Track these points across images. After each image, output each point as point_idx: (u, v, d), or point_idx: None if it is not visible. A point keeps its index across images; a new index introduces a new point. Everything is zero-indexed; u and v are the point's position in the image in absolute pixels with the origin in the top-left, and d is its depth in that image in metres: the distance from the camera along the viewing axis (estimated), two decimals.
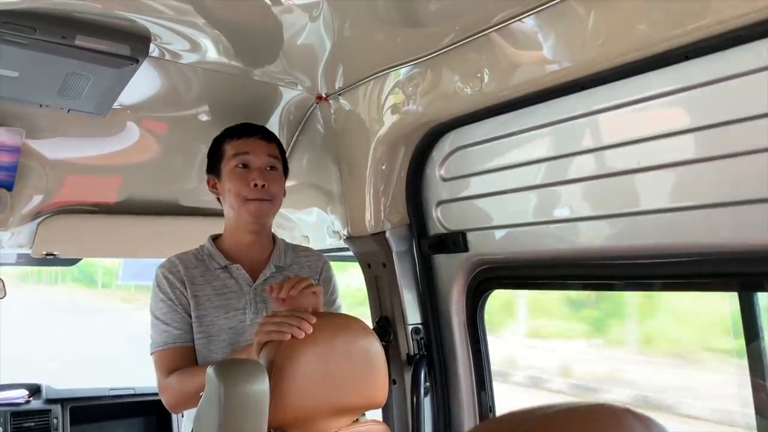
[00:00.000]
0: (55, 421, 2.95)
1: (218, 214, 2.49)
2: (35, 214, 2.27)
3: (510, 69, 1.49)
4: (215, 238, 1.88)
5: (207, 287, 1.76)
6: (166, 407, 1.71)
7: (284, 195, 1.88)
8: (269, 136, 1.85)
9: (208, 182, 1.89)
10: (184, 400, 1.66)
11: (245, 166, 1.77)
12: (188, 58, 1.75)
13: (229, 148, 1.81)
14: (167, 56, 1.71)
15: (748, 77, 1.18)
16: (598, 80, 1.41)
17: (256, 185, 1.74)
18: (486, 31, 1.46)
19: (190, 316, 1.74)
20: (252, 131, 1.82)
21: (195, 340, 1.73)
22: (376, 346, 1.50)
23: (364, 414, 1.56)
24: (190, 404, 1.66)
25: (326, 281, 1.93)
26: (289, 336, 1.37)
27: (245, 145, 1.79)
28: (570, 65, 1.40)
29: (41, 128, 2.00)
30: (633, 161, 1.40)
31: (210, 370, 1.26)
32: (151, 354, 1.74)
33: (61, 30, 1.40)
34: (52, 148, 2.11)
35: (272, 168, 1.80)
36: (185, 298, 1.74)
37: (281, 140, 1.95)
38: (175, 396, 1.67)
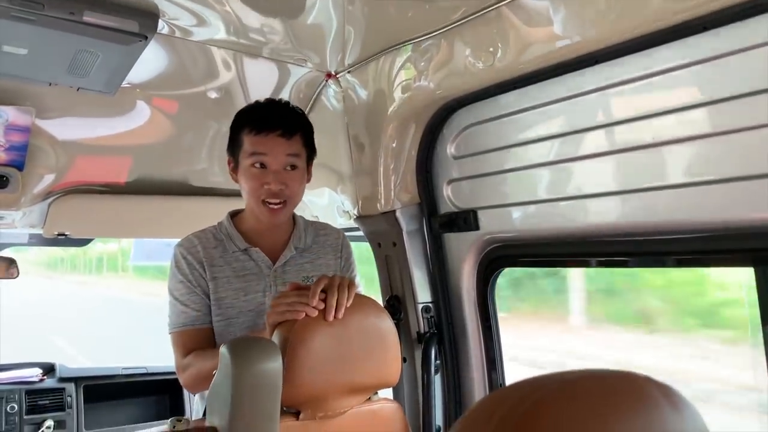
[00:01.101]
0: (68, 399, 2.99)
1: (229, 194, 2.51)
2: (46, 194, 2.28)
3: (522, 43, 1.47)
4: (234, 215, 1.83)
5: (226, 269, 1.73)
6: (184, 387, 1.71)
7: (307, 182, 1.79)
8: (291, 130, 1.68)
9: (228, 163, 1.79)
10: (200, 380, 1.64)
11: (262, 165, 1.68)
12: (197, 35, 1.73)
13: (248, 143, 1.69)
14: (176, 33, 1.70)
15: (762, 49, 1.16)
16: (611, 54, 1.39)
17: (271, 189, 1.67)
18: (497, 5, 1.44)
19: (209, 298, 1.72)
20: (272, 125, 1.66)
21: (214, 322, 1.72)
22: (388, 325, 1.49)
23: (376, 392, 1.56)
24: (206, 384, 1.66)
25: (347, 258, 1.90)
26: (303, 314, 1.36)
27: (263, 145, 1.67)
28: (582, 39, 1.37)
29: (51, 107, 2.00)
30: (646, 136, 1.38)
31: (223, 348, 1.26)
32: (169, 333, 1.74)
33: (69, 5, 1.39)
34: (62, 128, 2.11)
35: (292, 167, 1.70)
36: (204, 280, 1.72)
37: None
38: (192, 376, 1.66)
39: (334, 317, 1.37)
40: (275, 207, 1.69)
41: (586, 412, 0.49)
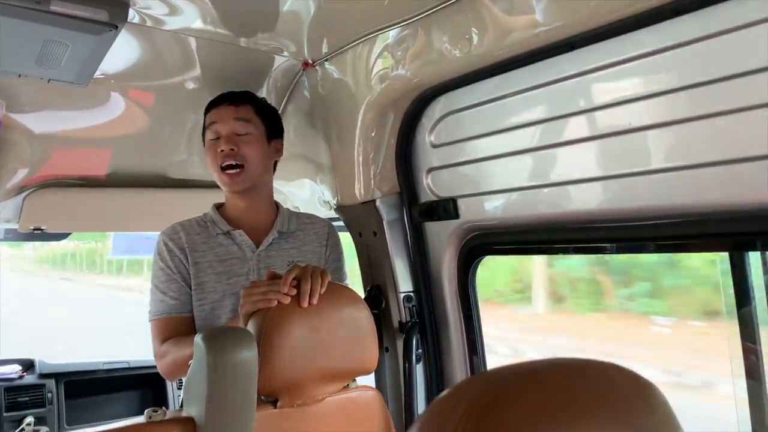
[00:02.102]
0: (49, 395, 2.96)
1: (209, 186, 2.48)
2: (20, 188, 2.24)
3: (499, 30, 1.46)
4: (219, 207, 1.88)
5: (209, 253, 1.75)
6: (161, 374, 1.71)
7: (270, 157, 1.85)
8: (239, 99, 1.81)
9: (205, 152, 1.87)
10: (177, 368, 1.65)
11: (217, 137, 1.77)
12: (170, 24, 1.70)
13: (206, 121, 1.82)
14: (148, 22, 1.67)
15: (738, 32, 1.16)
16: (589, 39, 1.38)
17: (223, 152, 1.73)
18: None
19: (190, 286, 1.73)
20: (222, 99, 1.82)
21: (198, 308, 1.72)
22: (364, 313, 1.50)
23: (354, 380, 1.56)
24: (183, 372, 1.66)
25: (334, 247, 1.92)
26: (275, 302, 1.36)
27: (214, 115, 1.79)
28: (560, 24, 1.37)
29: (23, 101, 1.96)
30: (624, 122, 1.38)
31: (198, 338, 1.25)
32: (149, 321, 1.74)
33: None
34: (35, 121, 2.07)
35: (243, 133, 1.77)
36: (184, 267, 1.73)
37: None
38: (168, 364, 1.66)
39: (309, 304, 1.38)
40: (231, 172, 1.74)
41: (552, 401, 0.49)
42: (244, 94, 1.84)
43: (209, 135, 1.79)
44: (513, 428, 0.47)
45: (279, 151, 1.89)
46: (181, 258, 1.73)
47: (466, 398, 0.49)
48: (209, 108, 1.83)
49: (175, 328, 1.70)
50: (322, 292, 1.41)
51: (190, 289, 1.73)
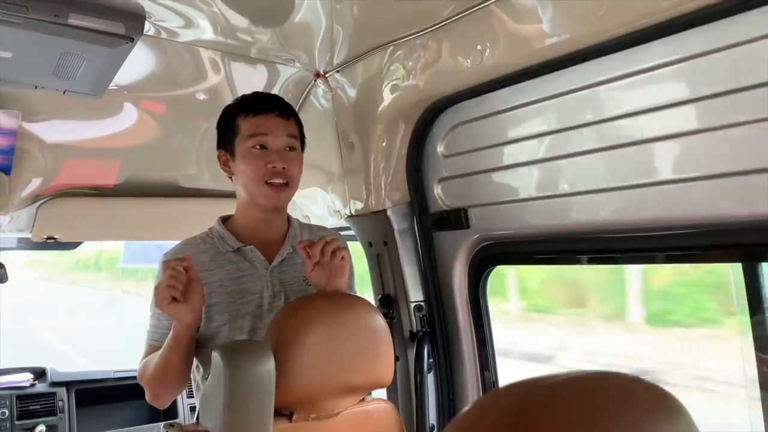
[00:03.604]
0: (60, 403, 2.96)
1: (220, 195, 2.49)
2: (34, 198, 2.26)
3: (510, 42, 1.47)
4: (225, 220, 1.75)
5: (219, 272, 1.63)
6: (149, 402, 1.63)
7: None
8: (287, 112, 1.67)
9: (219, 158, 1.73)
10: (154, 395, 1.59)
11: (263, 146, 1.63)
12: (184, 36, 1.72)
13: (245, 126, 1.64)
14: (163, 35, 1.69)
15: (749, 45, 1.17)
16: (600, 51, 1.39)
17: (275, 168, 1.61)
18: (485, 4, 1.44)
19: None
20: (269, 106, 1.65)
21: (212, 330, 1.61)
22: (381, 325, 1.48)
23: (370, 393, 1.56)
24: (163, 394, 1.60)
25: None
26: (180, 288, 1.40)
27: (263, 125, 1.63)
28: (571, 37, 1.38)
29: (38, 111, 1.98)
30: (635, 133, 1.39)
31: (215, 352, 1.25)
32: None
33: (54, 8, 1.37)
34: (49, 131, 2.09)
35: (291, 149, 1.66)
36: None
37: None
38: (148, 392, 1.60)
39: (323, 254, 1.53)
40: (279, 186, 1.63)
41: (573, 415, 0.49)
42: (289, 105, 1.71)
43: (252, 143, 1.63)
44: None
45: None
46: None
47: (490, 414, 0.50)
48: (249, 109, 1.65)
49: None
50: (330, 249, 1.54)
51: None
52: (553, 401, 0.51)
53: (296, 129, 1.69)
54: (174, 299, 1.40)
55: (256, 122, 1.63)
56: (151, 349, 1.62)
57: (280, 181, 1.63)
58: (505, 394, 0.52)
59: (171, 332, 1.48)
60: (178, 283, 1.41)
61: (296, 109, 2.17)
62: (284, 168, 1.62)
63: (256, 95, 1.71)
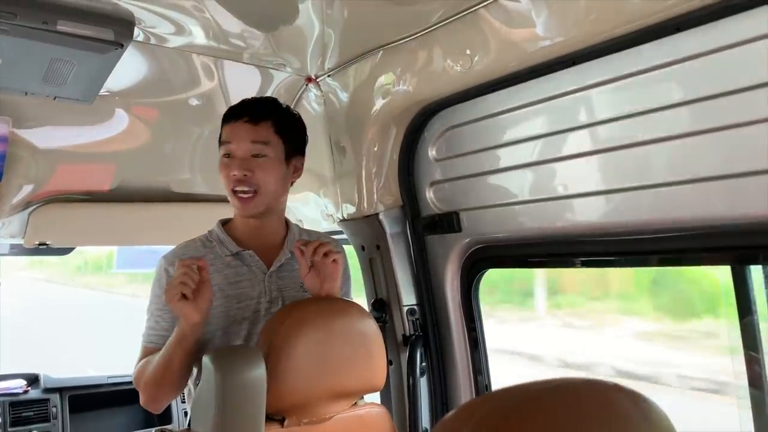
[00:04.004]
0: (54, 410, 2.95)
1: (213, 199, 2.49)
2: (26, 204, 2.25)
3: (500, 45, 1.47)
4: (224, 223, 1.75)
5: (217, 276, 1.61)
6: (144, 406, 1.61)
7: (288, 179, 1.71)
8: (259, 115, 1.62)
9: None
10: (151, 398, 1.58)
11: (228, 155, 1.63)
12: (174, 42, 1.72)
13: (221, 132, 1.67)
14: (153, 40, 1.69)
15: (739, 48, 1.17)
16: (590, 55, 1.40)
17: (235, 176, 1.60)
18: (475, 7, 1.44)
19: None
20: (239, 113, 1.64)
21: (208, 335, 1.59)
22: (373, 329, 1.49)
23: (362, 397, 1.56)
24: (160, 397, 1.59)
25: (344, 271, 1.75)
26: (191, 285, 1.41)
27: (230, 133, 1.63)
28: (561, 40, 1.38)
29: (29, 117, 1.98)
30: (626, 136, 1.40)
31: (206, 358, 1.25)
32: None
33: (43, 15, 1.37)
34: (41, 137, 2.08)
35: (258, 155, 1.61)
36: None
37: None
38: (145, 394, 1.58)
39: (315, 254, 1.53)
40: (244, 196, 1.61)
41: (556, 422, 0.50)
42: (266, 106, 1.67)
43: (222, 151, 1.65)
44: None
45: (298, 170, 1.74)
46: None
47: (474, 419, 0.50)
48: (227, 118, 1.66)
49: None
50: (322, 250, 1.54)
51: None
52: (536, 408, 0.51)
53: (268, 132, 1.63)
54: (184, 296, 1.40)
55: (225, 130, 1.65)
56: (147, 351, 1.62)
57: (245, 188, 1.60)
58: (488, 400, 0.52)
59: (175, 333, 1.48)
60: (191, 281, 1.41)
61: None
62: (246, 176, 1.59)
63: (242, 102, 1.69)
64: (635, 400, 0.54)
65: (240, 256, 1.67)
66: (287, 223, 1.79)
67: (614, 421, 0.51)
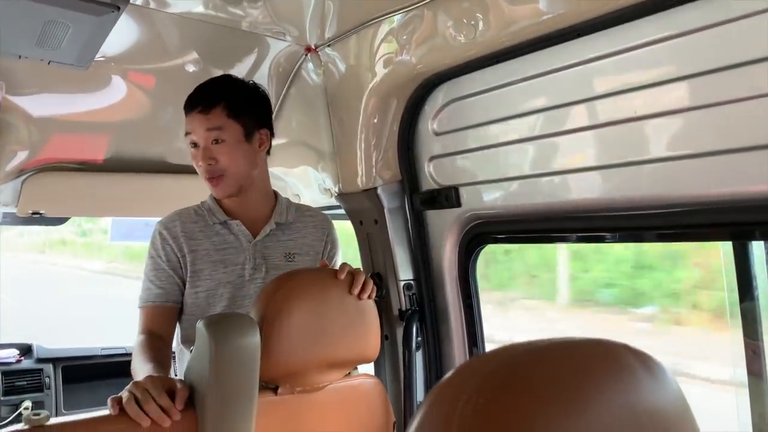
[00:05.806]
0: (47, 380, 2.95)
1: None
2: (19, 171, 2.22)
3: (504, 16, 1.45)
4: None
5: (206, 242, 1.75)
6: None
7: (255, 152, 1.76)
8: (209, 104, 1.69)
9: None
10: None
11: (195, 144, 1.73)
12: (174, 7, 1.69)
13: (185, 125, 1.77)
14: (151, 4, 1.66)
15: (742, 21, 1.15)
16: (594, 27, 1.38)
17: (201, 166, 1.71)
18: None
19: (180, 276, 1.73)
20: (193, 104, 1.72)
21: (192, 295, 1.72)
22: (367, 301, 1.50)
23: (356, 368, 1.56)
24: None
25: (333, 243, 1.92)
26: (148, 422, 1.20)
27: (189, 123, 1.73)
28: (565, 11, 1.36)
29: (23, 83, 1.94)
30: (629, 110, 1.38)
31: (200, 324, 1.25)
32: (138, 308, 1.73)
33: None
34: (35, 104, 2.05)
35: (216, 141, 1.69)
36: (176, 256, 1.72)
37: (270, 94, 1.90)
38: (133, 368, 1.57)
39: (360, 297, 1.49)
40: (214, 181, 1.72)
41: (562, 378, 0.49)
42: (214, 92, 1.72)
43: (188, 140, 1.74)
44: (523, 406, 0.46)
45: (266, 141, 1.80)
46: (173, 247, 1.72)
47: (475, 378, 0.49)
48: (185, 109, 1.75)
49: (155, 318, 1.69)
50: (364, 296, 1.50)
51: (181, 279, 1.73)
52: (540, 364, 0.50)
53: (221, 117, 1.69)
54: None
55: (186, 122, 1.74)
56: (146, 312, 1.70)
57: (213, 175, 1.71)
58: (489, 358, 0.51)
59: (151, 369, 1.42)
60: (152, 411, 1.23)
61: (287, 85, 2.16)
62: (210, 164, 1.70)
63: (195, 89, 1.76)
64: (643, 359, 0.53)
65: (227, 225, 1.79)
66: (276, 195, 1.89)
67: (621, 378, 0.50)
